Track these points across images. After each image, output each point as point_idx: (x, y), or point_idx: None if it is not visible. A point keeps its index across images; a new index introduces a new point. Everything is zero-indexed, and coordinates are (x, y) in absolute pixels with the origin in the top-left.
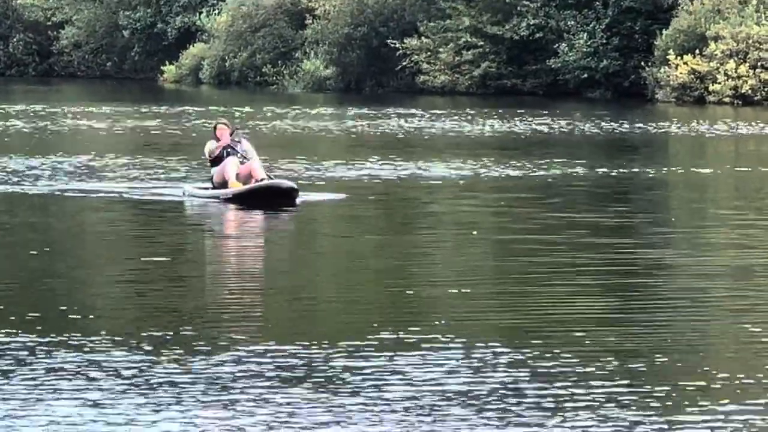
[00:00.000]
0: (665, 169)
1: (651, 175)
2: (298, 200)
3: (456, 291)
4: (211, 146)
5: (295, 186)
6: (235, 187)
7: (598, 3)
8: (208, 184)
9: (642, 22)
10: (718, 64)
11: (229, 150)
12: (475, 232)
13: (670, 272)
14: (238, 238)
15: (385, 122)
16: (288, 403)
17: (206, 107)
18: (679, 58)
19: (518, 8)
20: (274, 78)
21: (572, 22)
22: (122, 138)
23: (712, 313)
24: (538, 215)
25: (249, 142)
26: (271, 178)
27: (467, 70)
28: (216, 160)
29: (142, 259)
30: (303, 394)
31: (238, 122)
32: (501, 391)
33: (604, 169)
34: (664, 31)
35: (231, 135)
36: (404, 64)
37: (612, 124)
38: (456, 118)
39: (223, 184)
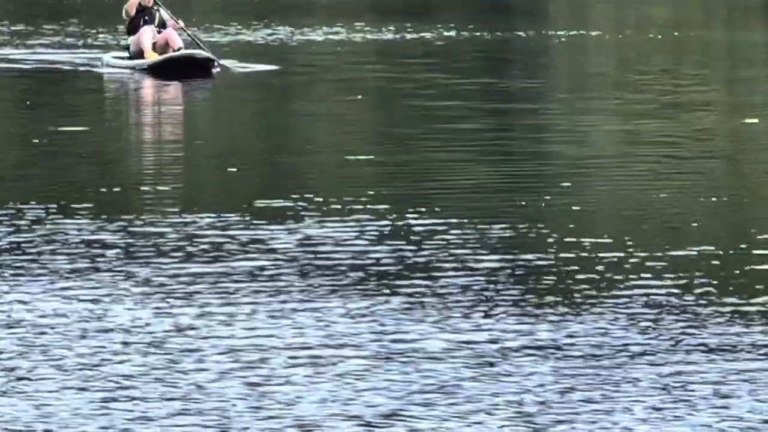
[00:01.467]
0: (547, 32)
1: (533, 39)
2: (214, 71)
3: (345, 158)
4: (128, 3)
5: (212, 56)
6: (151, 57)
7: None
8: (126, 54)
9: None
10: None
11: (146, 18)
12: (360, 96)
13: (569, 138)
14: (146, 108)
15: None
16: (150, 273)
17: None
18: None
19: None
20: None
21: None
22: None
23: (611, 179)
24: (422, 80)
25: (167, 11)
26: (199, 46)
27: None
28: (133, 30)
29: (48, 129)
30: (168, 264)
31: None
32: (374, 259)
33: (483, 33)
34: None
35: (153, 2)
36: None
37: None
38: None
39: (140, 54)
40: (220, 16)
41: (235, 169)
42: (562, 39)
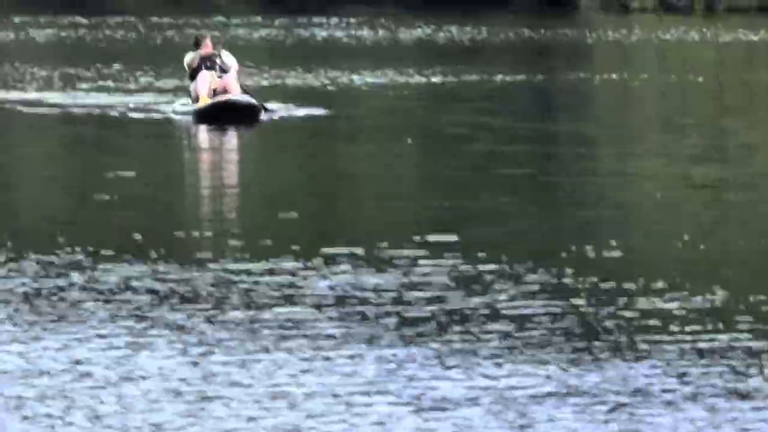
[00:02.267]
0: (592, 75)
1: (578, 82)
2: (262, 116)
3: (391, 203)
4: (190, 57)
5: (255, 102)
6: (203, 102)
7: None
8: (189, 100)
9: None
10: None
11: (207, 63)
12: (409, 140)
13: (617, 182)
14: (192, 154)
15: (303, 30)
16: (184, 320)
17: (127, 17)
18: None
19: None
20: None
21: None
22: (46, 48)
23: (658, 224)
24: (470, 123)
25: (230, 55)
26: (248, 92)
27: None
28: (193, 75)
29: (103, 175)
30: (202, 311)
31: (218, 35)
32: (411, 306)
33: (529, 75)
34: None
35: (214, 48)
36: None
37: (537, 31)
38: (378, 26)
39: (198, 100)
40: (265, 60)
41: (279, 215)
42: (608, 83)
